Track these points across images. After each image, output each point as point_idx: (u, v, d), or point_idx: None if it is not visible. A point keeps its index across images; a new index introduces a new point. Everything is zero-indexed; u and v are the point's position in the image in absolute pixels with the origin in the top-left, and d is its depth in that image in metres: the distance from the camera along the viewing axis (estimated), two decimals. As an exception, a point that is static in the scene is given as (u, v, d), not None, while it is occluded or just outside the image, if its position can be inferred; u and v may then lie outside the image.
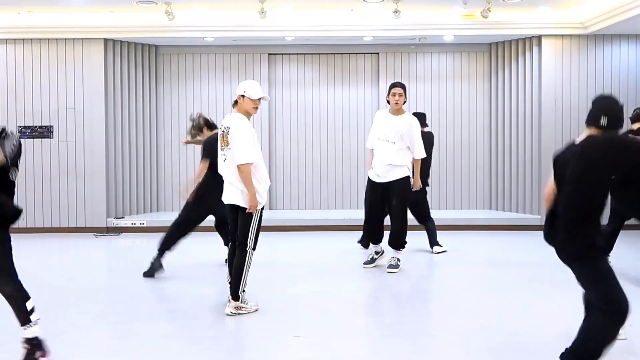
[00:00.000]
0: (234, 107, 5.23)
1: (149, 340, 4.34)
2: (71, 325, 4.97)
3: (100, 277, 6.99)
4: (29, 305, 3.89)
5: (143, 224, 9.61)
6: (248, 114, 5.12)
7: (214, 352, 4.23)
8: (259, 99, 5.12)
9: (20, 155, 3.85)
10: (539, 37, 9.72)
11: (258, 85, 5.21)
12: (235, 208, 5.10)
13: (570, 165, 3.48)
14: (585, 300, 3.57)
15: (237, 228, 5.10)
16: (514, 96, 10.14)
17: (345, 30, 9.61)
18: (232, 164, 5.02)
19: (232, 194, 5.08)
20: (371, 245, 7.04)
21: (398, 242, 6.71)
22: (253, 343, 4.38)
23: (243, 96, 5.09)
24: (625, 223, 6.52)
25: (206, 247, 7.47)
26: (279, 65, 10.76)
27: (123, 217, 9.87)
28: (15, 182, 3.84)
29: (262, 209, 5.14)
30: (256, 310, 5.19)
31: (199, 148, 10.58)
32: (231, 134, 5.00)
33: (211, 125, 6.87)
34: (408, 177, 6.63)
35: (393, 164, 6.55)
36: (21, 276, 5.71)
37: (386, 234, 6.79)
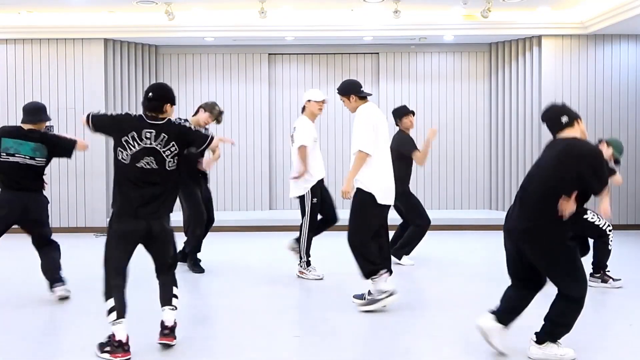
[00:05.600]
0: (302, 112, 6.49)
1: (148, 340, 4.34)
2: (71, 324, 4.97)
3: (99, 277, 6.97)
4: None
5: (143, 224, 9.61)
6: (313, 116, 6.42)
7: (214, 352, 4.22)
8: (322, 101, 6.38)
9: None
10: (539, 37, 9.72)
11: (319, 90, 6.64)
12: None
13: None
14: None
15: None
16: (514, 96, 10.14)
17: (345, 30, 9.61)
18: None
19: (291, 187, 6.49)
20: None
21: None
22: (253, 343, 4.38)
23: (309, 101, 6.36)
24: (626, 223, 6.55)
25: (209, 247, 7.44)
26: (279, 65, 10.76)
27: (123, 217, 9.86)
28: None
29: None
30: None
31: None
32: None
33: None
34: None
35: None
36: (22, 276, 5.73)
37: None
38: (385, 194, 5.21)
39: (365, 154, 5.10)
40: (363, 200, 5.14)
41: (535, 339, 3.98)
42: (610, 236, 5.83)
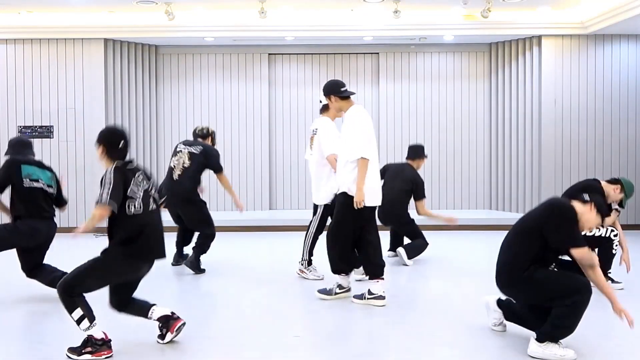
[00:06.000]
0: (321, 113, 6.22)
1: (148, 340, 4.34)
2: (70, 323, 4.96)
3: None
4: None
5: (143, 224, 9.59)
6: (335, 116, 6.05)
7: (214, 352, 4.23)
8: None
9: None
10: (539, 37, 9.72)
11: None
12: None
13: None
14: None
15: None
16: (514, 96, 10.14)
17: (345, 30, 9.61)
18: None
19: (313, 192, 6.28)
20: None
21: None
22: (253, 343, 4.38)
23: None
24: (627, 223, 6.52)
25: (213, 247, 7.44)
26: (279, 65, 10.76)
27: (123, 217, 9.85)
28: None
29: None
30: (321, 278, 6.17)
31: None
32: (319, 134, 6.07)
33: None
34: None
35: None
36: (22, 276, 5.73)
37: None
38: (370, 196, 5.26)
39: (367, 160, 5.16)
40: (347, 203, 5.23)
41: (536, 337, 4.00)
42: (615, 241, 5.80)
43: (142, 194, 4.10)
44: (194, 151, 6.55)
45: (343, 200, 5.29)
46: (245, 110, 10.61)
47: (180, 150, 6.59)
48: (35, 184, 5.38)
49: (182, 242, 6.89)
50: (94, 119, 9.67)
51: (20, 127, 9.69)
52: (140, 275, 4.24)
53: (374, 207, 5.39)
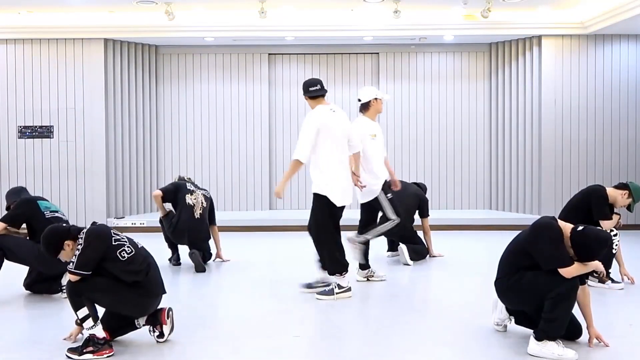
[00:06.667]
0: (362, 112, 6.09)
1: (147, 341, 4.35)
2: (71, 323, 4.96)
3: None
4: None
5: (143, 224, 9.61)
6: (375, 114, 6.07)
7: (214, 352, 4.23)
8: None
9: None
10: (539, 37, 9.72)
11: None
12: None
13: None
14: None
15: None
16: (514, 96, 10.14)
17: (345, 30, 9.61)
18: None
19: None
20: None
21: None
22: (253, 343, 4.38)
23: (376, 99, 5.99)
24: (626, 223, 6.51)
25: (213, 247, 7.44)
26: (279, 65, 10.76)
27: (123, 217, 9.87)
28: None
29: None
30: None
31: (197, 148, 10.60)
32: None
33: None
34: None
35: None
36: (22, 277, 5.75)
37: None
38: (343, 195, 5.45)
39: (300, 163, 5.33)
40: (321, 203, 5.44)
41: (534, 335, 4.03)
42: (615, 240, 5.77)
43: (125, 237, 4.23)
44: (206, 195, 7.02)
45: (316, 201, 5.48)
46: (245, 110, 10.61)
47: (194, 190, 6.91)
48: (57, 214, 5.59)
49: (175, 244, 7.12)
50: (94, 119, 9.67)
51: (20, 127, 9.69)
52: (150, 311, 4.30)
53: (343, 207, 5.55)
